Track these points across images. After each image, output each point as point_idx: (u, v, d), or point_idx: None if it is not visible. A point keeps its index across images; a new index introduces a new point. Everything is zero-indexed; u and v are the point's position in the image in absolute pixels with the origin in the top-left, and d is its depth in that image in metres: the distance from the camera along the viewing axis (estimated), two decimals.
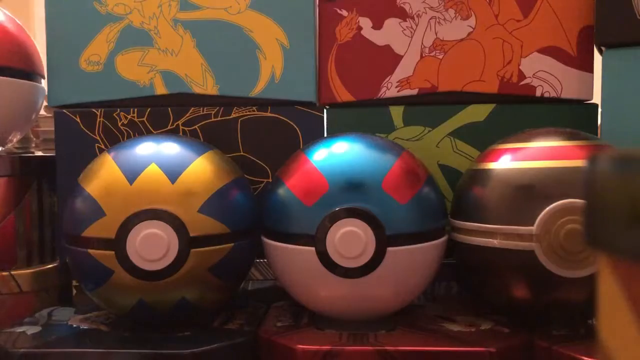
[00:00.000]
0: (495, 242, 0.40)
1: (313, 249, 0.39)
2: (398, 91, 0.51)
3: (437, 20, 0.50)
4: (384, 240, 0.39)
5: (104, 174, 0.41)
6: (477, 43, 0.50)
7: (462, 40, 0.50)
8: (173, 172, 0.41)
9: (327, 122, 0.52)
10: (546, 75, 0.50)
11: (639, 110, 0.46)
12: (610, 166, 0.14)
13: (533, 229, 0.38)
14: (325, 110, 0.52)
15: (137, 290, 0.40)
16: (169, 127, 0.52)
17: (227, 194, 0.42)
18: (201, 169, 0.42)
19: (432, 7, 0.50)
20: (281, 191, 0.41)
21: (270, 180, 0.51)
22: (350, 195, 0.39)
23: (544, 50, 0.50)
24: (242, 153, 0.52)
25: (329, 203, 0.39)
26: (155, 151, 0.42)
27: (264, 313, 0.47)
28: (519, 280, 0.40)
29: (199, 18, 0.51)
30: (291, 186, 0.41)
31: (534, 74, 0.50)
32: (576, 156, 0.39)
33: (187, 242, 0.39)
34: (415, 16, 0.51)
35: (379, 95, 0.51)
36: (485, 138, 0.50)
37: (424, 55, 0.51)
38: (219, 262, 0.41)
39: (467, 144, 0.51)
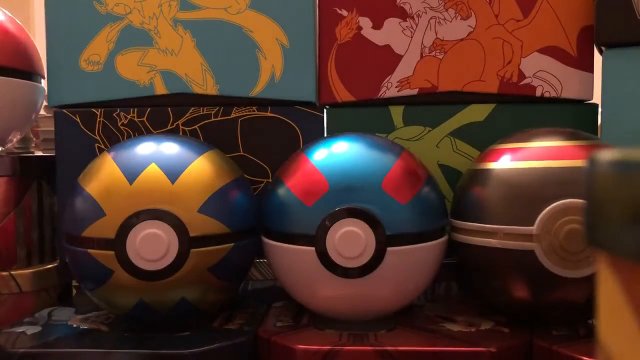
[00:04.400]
0: (495, 242, 0.40)
1: (313, 249, 0.39)
2: (398, 91, 0.51)
3: (437, 20, 0.50)
4: (384, 240, 0.39)
5: (104, 174, 0.41)
6: (477, 43, 0.50)
7: (462, 40, 0.50)
8: (173, 172, 0.41)
9: (327, 122, 0.52)
10: (546, 75, 0.50)
11: (639, 110, 0.46)
12: (610, 166, 0.14)
13: (533, 229, 0.38)
14: (325, 110, 0.52)
15: (137, 290, 0.40)
16: (169, 127, 0.52)
17: (227, 194, 0.42)
18: (201, 169, 0.42)
19: (432, 7, 0.50)
20: (281, 191, 0.41)
21: (270, 180, 0.51)
22: (350, 195, 0.39)
23: (544, 50, 0.50)
24: (242, 153, 0.52)
25: (329, 203, 0.39)
26: (155, 151, 0.42)
27: (264, 313, 0.47)
28: (519, 280, 0.40)
29: (199, 18, 0.51)
30: (291, 186, 0.41)
31: (534, 74, 0.50)
32: (576, 156, 0.39)
33: (187, 242, 0.39)
34: (415, 16, 0.51)
35: (379, 95, 0.51)
36: (485, 138, 0.50)
37: (424, 55, 0.51)
38: (219, 262, 0.41)
39: (467, 144, 0.51)
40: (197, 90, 0.52)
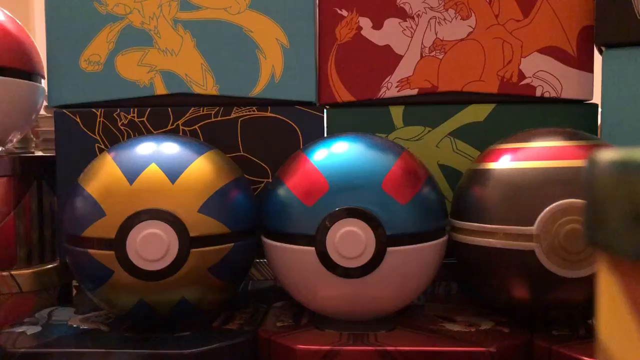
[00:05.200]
0: (495, 242, 0.40)
1: (313, 249, 0.39)
2: (398, 91, 0.51)
3: (437, 20, 0.50)
4: (384, 240, 0.39)
5: (104, 174, 0.41)
6: (477, 43, 0.50)
7: (462, 40, 0.50)
8: (173, 172, 0.41)
9: (327, 122, 0.52)
10: (546, 75, 0.50)
11: (639, 110, 0.46)
12: (610, 166, 0.14)
13: (533, 229, 0.38)
14: (325, 110, 0.52)
15: (137, 290, 0.40)
16: (169, 127, 0.52)
17: (227, 194, 0.42)
18: (201, 169, 0.42)
19: (432, 7, 0.50)
20: (281, 191, 0.41)
21: (270, 180, 0.51)
22: (350, 195, 0.39)
23: (544, 50, 0.50)
24: (242, 153, 0.52)
25: (329, 203, 0.39)
26: (155, 151, 0.42)
27: (264, 313, 0.47)
28: (519, 280, 0.40)
29: (199, 18, 0.51)
30: (291, 186, 0.41)
31: (534, 74, 0.50)
32: (576, 156, 0.39)
33: (187, 242, 0.39)
34: (415, 16, 0.51)
35: (379, 95, 0.51)
36: (485, 138, 0.50)
37: (424, 55, 0.51)
38: (219, 262, 0.41)
39: (467, 144, 0.51)
40: (197, 90, 0.52)
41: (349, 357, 0.38)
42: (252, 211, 0.44)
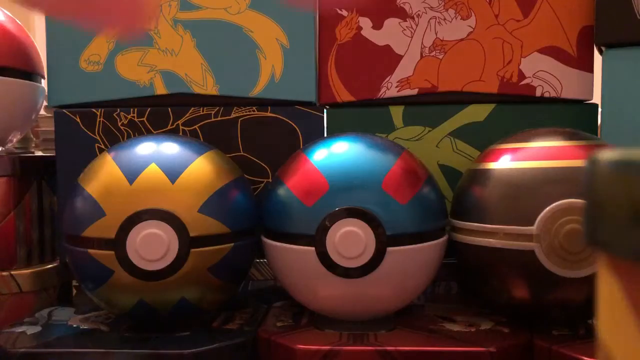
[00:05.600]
0: (495, 242, 0.40)
1: (313, 249, 0.39)
2: (398, 91, 0.51)
3: (437, 20, 0.50)
4: (384, 240, 0.39)
5: (104, 174, 0.41)
6: (477, 43, 0.50)
7: (462, 40, 0.50)
8: (173, 172, 0.41)
9: (327, 122, 0.52)
10: (546, 75, 0.50)
11: (639, 110, 0.46)
12: (610, 166, 0.14)
13: (533, 229, 0.38)
14: (325, 110, 0.52)
15: (137, 290, 0.40)
16: (169, 127, 0.52)
17: (227, 194, 0.42)
18: (201, 169, 0.42)
19: (432, 7, 0.50)
20: (281, 191, 0.41)
21: (270, 180, 0.51)
22: (350, 195, 0.39)
23: (544, 50, 0.50)
24: (242, 153, 0.52)
25: (329, 203, 0.39)
26: (155, 151, 0.42)
27: (264, 313, 0.47)
28: (519, 280, 0.40)
29: (199, 18, 0.51)
30: (291, 186, 0.41)
31: (534, 74, 0.50)
32: (576, 156, 0.39)
33: (187, 242, 0.39)
34: (415, 16, 0.51)
35: (379, 95, 0.51)
36: (485, 138, 0.50)
37: (424, 55, 0.51)
38: (219, 262, 0.41)
39: (467, 144, 0.51)
40: (197, 90, 0.52)
41: (349, 357, 0.38)
42: (252, 211, 0.44)
